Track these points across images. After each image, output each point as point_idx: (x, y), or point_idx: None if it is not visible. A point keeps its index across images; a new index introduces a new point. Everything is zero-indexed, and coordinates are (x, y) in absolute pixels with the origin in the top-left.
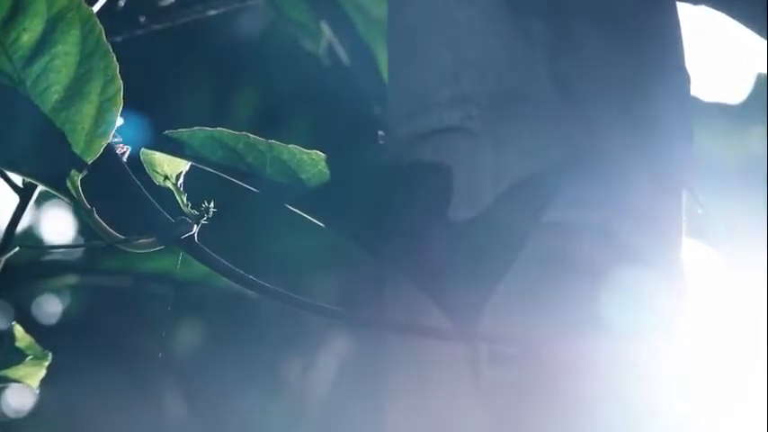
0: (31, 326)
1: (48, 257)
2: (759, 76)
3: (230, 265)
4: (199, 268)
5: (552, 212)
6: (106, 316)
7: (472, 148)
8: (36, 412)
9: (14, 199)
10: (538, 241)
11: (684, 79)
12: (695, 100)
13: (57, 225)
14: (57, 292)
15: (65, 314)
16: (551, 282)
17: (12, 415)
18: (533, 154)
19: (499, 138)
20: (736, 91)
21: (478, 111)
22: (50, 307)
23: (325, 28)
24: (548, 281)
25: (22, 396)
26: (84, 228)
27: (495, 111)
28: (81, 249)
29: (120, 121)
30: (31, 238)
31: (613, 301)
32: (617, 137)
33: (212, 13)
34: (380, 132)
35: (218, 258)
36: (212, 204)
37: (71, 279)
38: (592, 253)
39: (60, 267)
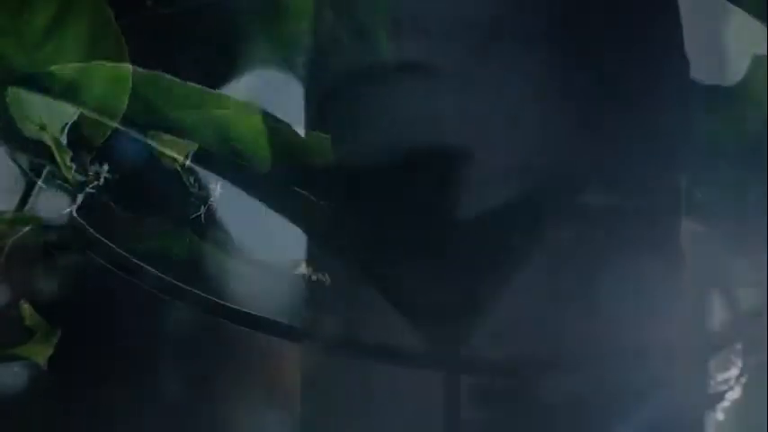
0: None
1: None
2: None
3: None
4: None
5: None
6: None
7: (433, 92)
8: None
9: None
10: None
11: (684, 64)
12: (693, 81)
13: (54, 206)
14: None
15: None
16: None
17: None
18: (510, 103)
19: (470, 79)
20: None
21: (446, 44)
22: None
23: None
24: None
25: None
26: (82, 208)
27: (467, 44)
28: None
29: None
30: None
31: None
32: (615, 120)
33: None
34: (303, 60)
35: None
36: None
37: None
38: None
39: (62, 248)
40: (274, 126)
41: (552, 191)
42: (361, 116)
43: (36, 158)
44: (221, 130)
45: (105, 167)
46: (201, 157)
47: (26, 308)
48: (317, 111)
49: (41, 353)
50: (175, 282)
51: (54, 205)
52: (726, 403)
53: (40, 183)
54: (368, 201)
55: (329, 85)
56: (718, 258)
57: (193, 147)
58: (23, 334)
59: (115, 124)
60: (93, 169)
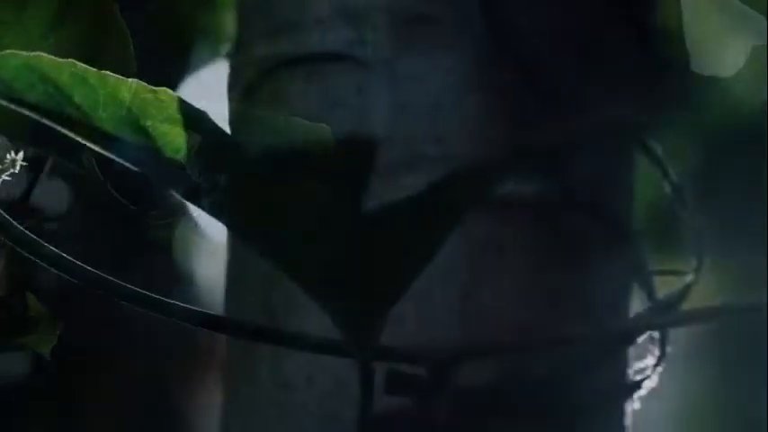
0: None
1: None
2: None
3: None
4: None
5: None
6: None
7: (363, 83)
8: None
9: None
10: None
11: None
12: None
13: (51, 196)
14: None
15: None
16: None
17: None
18: (444, 95)
19: (398, 71)
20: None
21: (374, 34)
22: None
23: None
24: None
25: None
26: (77, 199)
27: (396, 35)
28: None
29: None
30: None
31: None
32: (538, 109)
33: None
34: (228, 51)
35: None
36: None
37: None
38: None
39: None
40: (190, 114)
41: (472, 180)
42: (287, 106)
43: None
44: (133, 118)
45: (21, 155)
46: (114, 144)
47: (31, 298)
48: (244, 101)
49: (45, 343)
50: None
51: None
52: (642, 392)
53: None
54: (281, 189)
55: (255, 76)
56: (636, 247)
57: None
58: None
59: (26, 111)
60: (9, 157)
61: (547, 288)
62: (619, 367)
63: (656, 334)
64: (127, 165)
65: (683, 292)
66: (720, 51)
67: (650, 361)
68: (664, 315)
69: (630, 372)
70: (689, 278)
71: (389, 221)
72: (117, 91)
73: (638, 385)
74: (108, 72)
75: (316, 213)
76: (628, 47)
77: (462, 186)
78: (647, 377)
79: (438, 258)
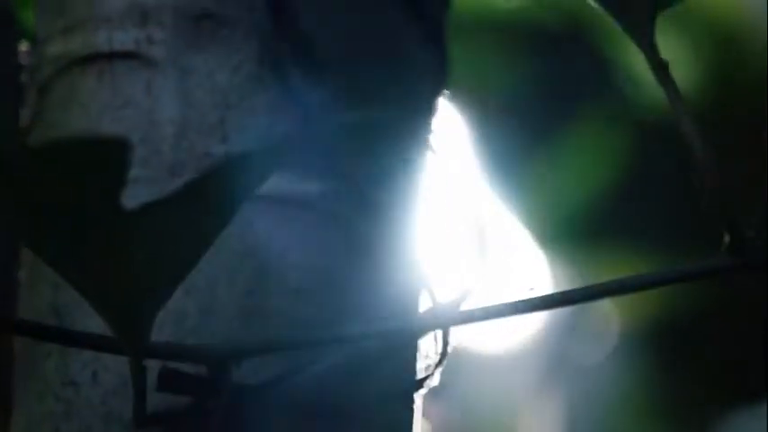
0: None
1: None
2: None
3: None
4: None
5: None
6: None
7: (151, 82)
8: None
9: None
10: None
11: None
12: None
13: None
14: None
15: None
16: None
17: None
18: (232, 93)
19: (186, 69)
20: None
21: (162, 32)
22: None
23: None
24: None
25: None
26: None
27: (183, 33)
28: None
29: None
30: None
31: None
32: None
33: None
34: (21, 49)
35: None
36: None
37: None
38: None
39: None
40: None
41: (234, 175)
42: (81, 106)
43: None
44: None
45: None
46: None
47: None
48: (36, 101)
49: None
50: None
51: None
52: (424, 390)
53: None
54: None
55: (50, 75)
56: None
57: None
58: None
59: None
60: None
61: (333, 286)
62: (403, 366)
63: (438, 332)
64: None
65: (465, 293)
66: None
67: (432, 359)
68: (446, 315)
69: (415, 370)
70: (471, 280)
71: (149, 220)
72: None
73: (420, 384)
74: None
75: (76, 214)
76: (416, 45)
77: (223, 182)
78: (430, 376)
79: (222, 255)
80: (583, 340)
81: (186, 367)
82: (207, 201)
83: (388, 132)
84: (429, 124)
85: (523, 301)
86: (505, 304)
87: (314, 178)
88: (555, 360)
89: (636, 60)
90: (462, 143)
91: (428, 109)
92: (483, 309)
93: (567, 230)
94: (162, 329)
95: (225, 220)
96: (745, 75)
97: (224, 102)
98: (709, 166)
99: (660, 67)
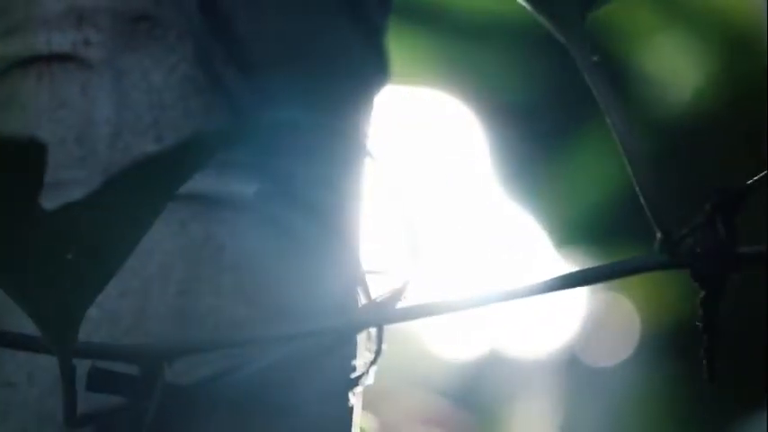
0: None
1: None
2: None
3: None
4: None
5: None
6: None
7: (87, 84)
8: None
9: None
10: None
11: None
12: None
13: None
14: None
15: None
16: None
17: None
18: (166, 94)
19: (121, 70)
20: None
21: (99, 35)
22: None
23: None
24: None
25: None
26: None
27: (119, 35)
28: None
29: None
30: None
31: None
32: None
33: None
34: None
35: None
36: None
37: None
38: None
39: None
40: None
41: (152, 173)
42: (21, 108)
43: None
44: None
45: None
46: None
47: None
48: None
49: None
50: None
51: None
52: (359, 388)
53: None
54: None
55: None
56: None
57: None
58: None
59: None
60: None
61: (267, 286)
62: (340, 364)
63: (373, 331)
64: None
65: (400, 291)
66: None
67: (367, 358)
68: (379, 313)
69: (352, 369)
70: (406, 277)
71: (70, 220)
72: None
73: (355, 382)
74: None
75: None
76: (355, 48)
77: (145, 178)
78: (365, 374)
79: (156, 256)
80: (604, 342)
81: (121, 367)
82: (129, 198)
83: (324, 133)
84: (367, 126)
85: (455, 299)
86: (439, 302)
87: (249, 179)
88: (576, 363)
89: (649, 63)
90: (477, 147)
91: (366, 111)
92: (417, 306)
93: (583, 232)
94: (97, 330)
95: (151, 218)
96: (753, 75)
97: (159, 102)
98: (640, 166)
99: (591, 66)
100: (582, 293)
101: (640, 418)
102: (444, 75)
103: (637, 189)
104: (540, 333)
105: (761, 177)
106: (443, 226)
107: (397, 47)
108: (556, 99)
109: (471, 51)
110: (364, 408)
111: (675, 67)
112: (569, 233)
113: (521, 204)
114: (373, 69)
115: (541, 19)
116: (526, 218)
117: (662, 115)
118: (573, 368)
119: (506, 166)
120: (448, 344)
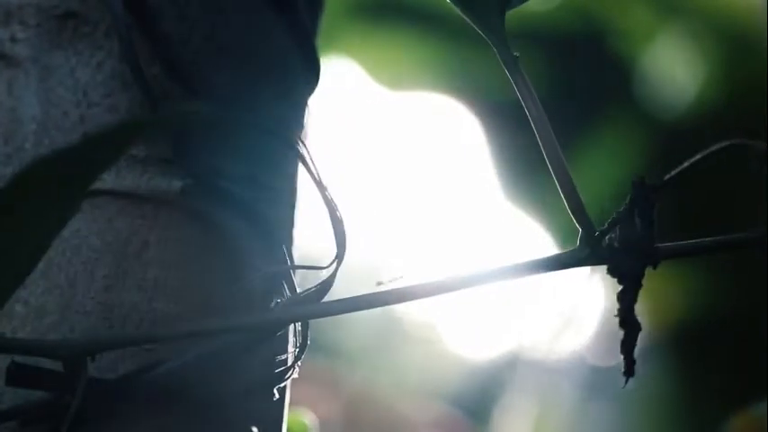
0: None
1: None
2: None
3: None
4: None
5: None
6: None
7: (13, 81)
8: None
9: None
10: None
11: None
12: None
13: None
14: None
15: None
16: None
17: None
18: (93, 91)
19: (48, 67)
20: None
21: (25, 32)
22: None
23: None
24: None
25: None
26: None
27: (46, 32)
28: None
29: None
30: None
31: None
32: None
33: None
34: None
35: None
36: None
37: None
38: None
39: None
40: None
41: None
42: None
43: None
44: None
45: None
46: None
47: None
48: None
49: None
50: None
51: None
52: (284, 383)
53: None
54: None
55: None
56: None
57: None
58: None
59: None
60: None
61: (191, 282)
62: (265, 359)
63: (299, 326)
64: None
65: (324, 286)
66: None
67: (291, 352)
68: (303, 308)
69: (276, 363)
70: (329, 272)
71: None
72: None
73: (280, 377)
74: None
75: None
76: (284, 48)
77: (50, 178)
78: (290, 368)
79: (81, 252)
80: (612, 342)
81: (48, 363)
82: (38, 196)
83: (252, 132)
84: (300, 123)
85: (375, 293)
86: (360, 297)
87: (174, 175)
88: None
89: (649, 63)
90: (480, 149)
91: (297, 111)
92: (340, 301)
93: None
94: (23, 326)
95: (65, 214)
96: (753, 75)
97: (86, 99)
98: (559, 164)
99: (510, 62)
100: (589, 295)
101: (648, 418)
102: (445, 78)
103: (557, 184)
104: (551, 335)
105: (678, 172)
106: (443, 226)
107: (399, 51)
108: (557, 102)
109: (472, 54)
110: (368, 408)
111: (675, 67)
112: (571, 236)
113: (522, 207)
114: (303, 70)
115: (465, 17)
116: (528, 221)
117: (662, 115)
118: (580, 368)
119: (508, 168)
120: (463, 345)
